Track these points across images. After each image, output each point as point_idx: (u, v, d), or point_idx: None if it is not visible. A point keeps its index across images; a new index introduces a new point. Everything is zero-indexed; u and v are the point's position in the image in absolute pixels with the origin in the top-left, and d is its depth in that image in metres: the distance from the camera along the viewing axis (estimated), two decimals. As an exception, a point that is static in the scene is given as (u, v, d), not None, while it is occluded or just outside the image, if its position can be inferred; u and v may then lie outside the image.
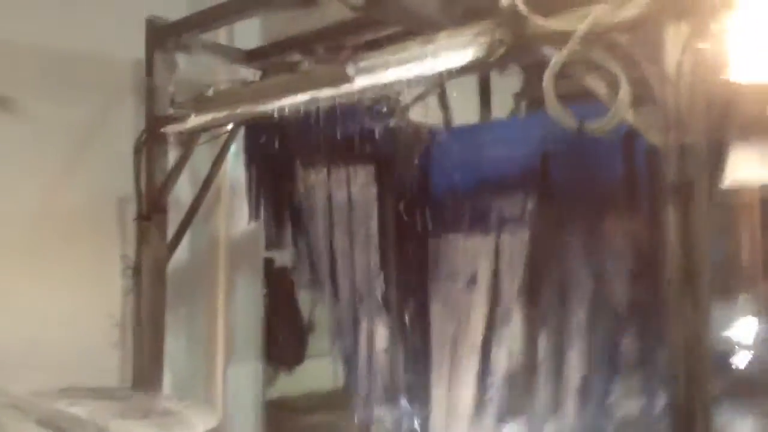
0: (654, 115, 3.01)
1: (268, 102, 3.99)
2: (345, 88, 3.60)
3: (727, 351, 7.60)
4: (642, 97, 3.04)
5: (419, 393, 5.29)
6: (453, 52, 3.37)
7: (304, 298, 7.29)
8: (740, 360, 8.16)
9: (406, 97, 4.57)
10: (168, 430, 2.89)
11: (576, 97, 3.16)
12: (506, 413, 4.73)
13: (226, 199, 6.14)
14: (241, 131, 5.29)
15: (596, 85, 3.17)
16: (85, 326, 5.34)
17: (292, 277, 6.95)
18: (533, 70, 4.29)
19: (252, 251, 6.52)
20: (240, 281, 6.45)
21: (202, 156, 5.57)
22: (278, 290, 7.18)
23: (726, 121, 3.13)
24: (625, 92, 2.92)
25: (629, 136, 3.36)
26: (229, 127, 5.10)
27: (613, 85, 3.05)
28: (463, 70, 3.39)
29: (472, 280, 4.50)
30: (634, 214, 3.80)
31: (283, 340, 7.34)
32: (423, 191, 4.76)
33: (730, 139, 3.31)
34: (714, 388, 3.41)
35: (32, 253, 5.12)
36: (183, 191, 5.65)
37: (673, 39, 2.89)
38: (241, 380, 6.51)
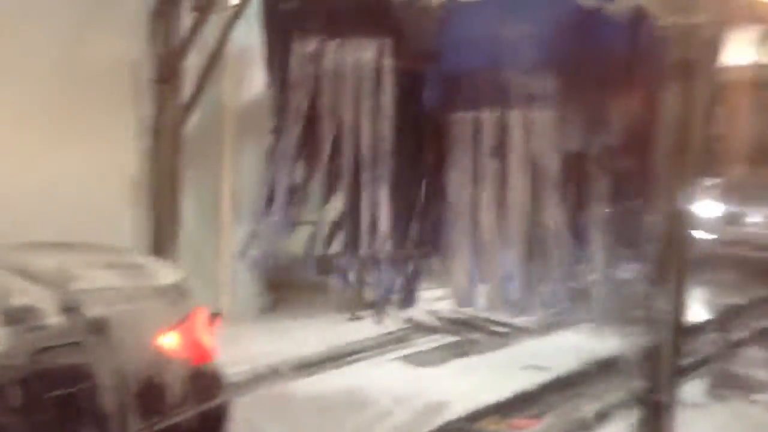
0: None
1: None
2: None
3: (699, 226, 8.19)
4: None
5: (430, 253, 5.70)
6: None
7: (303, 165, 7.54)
8: (709, 235, 8.84)
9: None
10: (132, 280, 2.96)
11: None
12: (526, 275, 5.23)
13: (235, 66, 6.31)
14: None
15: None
16: (100, 185, 5.56)
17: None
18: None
19: (260, 118, 6.74)
20: (248, 146, 6.72)
21: (210, 23, 5.66)
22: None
23: (726, 4, 3.41)
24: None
25: (637, 16, 3.61)
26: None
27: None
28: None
29: (494, 152, 4.80)
30: (639, 90, 4.11)
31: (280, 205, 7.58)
32: (436, 65, 4.94)
33: (729, 22, 3.60)
34: (689, 254, 3.88)
35: (49, 113, 5.21)
36: (193, 57, 5.74)
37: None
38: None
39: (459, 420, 4.62)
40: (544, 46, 4.37)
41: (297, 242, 7.86)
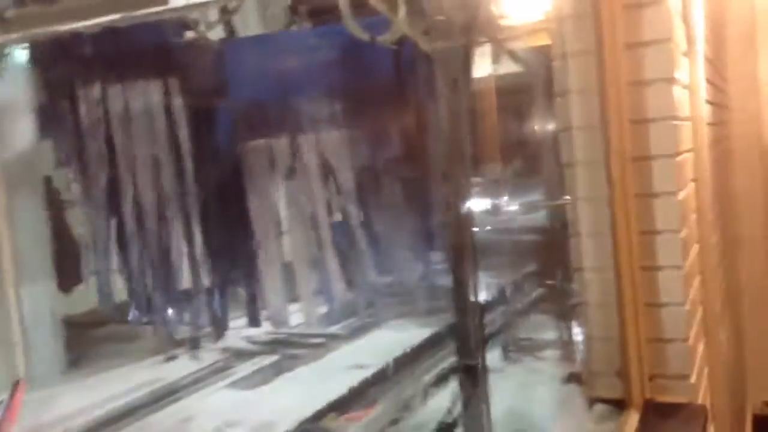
0: (421, 24, 3.85)
1: (75, 22, 4.13)
2: (156, 7, 3.91)
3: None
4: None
5: (233, 285, 5.88)
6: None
7: (81, 216, 7.32)
8: (478, 227, 9.92)
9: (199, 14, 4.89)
10: None
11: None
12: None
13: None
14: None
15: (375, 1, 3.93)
16: None
17: (69, 197, 6.96)
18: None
19: (32, 172, 6.45)
20: (22, 202, 6.41)
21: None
22: (57, 210, 7.15)
23: (474, 29, 4.07)
24: (404, 10, 3.71)
25: (404, 44, 4.17)
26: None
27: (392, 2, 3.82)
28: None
29: (288, 175, 5.15)
30: (407, 108, 4.71)
31: (63, 260, 7.34)
32: (223, 102, 5.19)
33: (476, 43, 4.28)
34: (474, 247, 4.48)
35: None
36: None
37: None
38: (36, 300, 6.60)
39: (301, 423, 4.89)
40: (325, 74, 4.83)
41: (86, 295, 7.66)
